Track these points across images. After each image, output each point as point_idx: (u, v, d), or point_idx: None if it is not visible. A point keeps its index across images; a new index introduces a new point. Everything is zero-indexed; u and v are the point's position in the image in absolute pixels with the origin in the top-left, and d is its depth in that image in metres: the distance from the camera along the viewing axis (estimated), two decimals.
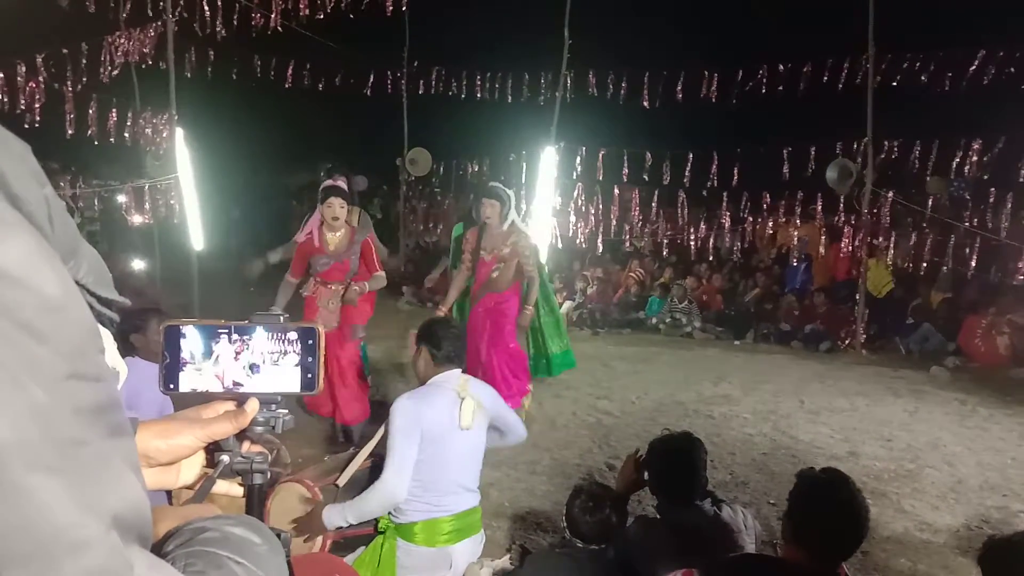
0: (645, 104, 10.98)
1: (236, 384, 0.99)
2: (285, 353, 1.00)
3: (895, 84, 9.55)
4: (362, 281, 5.34)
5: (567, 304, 11.13)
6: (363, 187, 13.35)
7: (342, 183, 5.53)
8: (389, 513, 3.08)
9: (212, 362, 0.99)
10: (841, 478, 2.32)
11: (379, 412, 5.15)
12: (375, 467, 3.19)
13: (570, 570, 2.90)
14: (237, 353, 0.99)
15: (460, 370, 3.22)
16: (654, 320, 11.01)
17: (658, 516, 3.00)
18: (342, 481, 3.22)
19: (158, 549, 0.69)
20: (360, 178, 13.97)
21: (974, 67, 9.15)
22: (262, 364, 0.99)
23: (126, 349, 3.23)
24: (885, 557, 4.12)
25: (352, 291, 5.26)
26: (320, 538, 3.01)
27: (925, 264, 9.78)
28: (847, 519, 2.20)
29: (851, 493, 2.23)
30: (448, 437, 3.05)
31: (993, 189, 9.28)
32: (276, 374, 1.00)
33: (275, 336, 1.00)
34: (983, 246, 9.11)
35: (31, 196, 0.54)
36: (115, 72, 9.57)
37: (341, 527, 2.99)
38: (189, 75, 10.45)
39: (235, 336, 0.99)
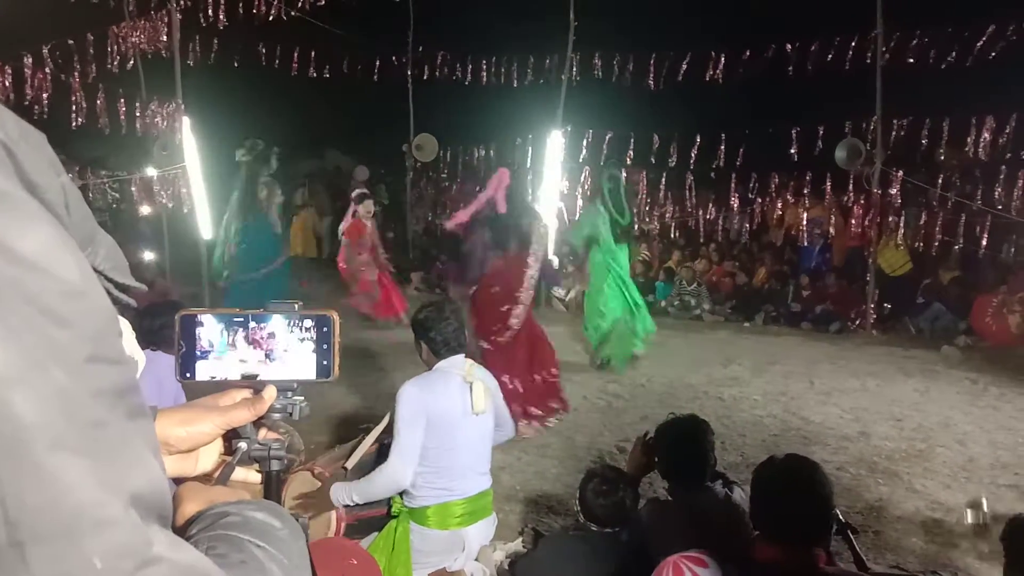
0: (651, 85, 10.91)
1: (252, 372, 1.00)
2: (301, 340, 1.01)
3: (904, 61, 9.44)
4: None
5: (576, 288, 11.11)
6: (365, 176, 13.33)
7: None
8: (402, 497, 3.11)
9: (228, 350, 1.00)
10: (797, 463, 2.22)
11: (386, 401, 5.18)
12: (381, 452, 3.22)
13: (584, 553, 2.92)
14: (253, 341, 1.00)
15: (463, 355, 3.22)
16: (663, 303, 11.00)
17: (670, 499, 3.01)
18: (350, 464, 3.27)
19: (182, 533, 0.70)
20: (360, 168, 13.96)
21: (984, 42, 9.04)
22: (278, 352, 1.00)
23: (157, 342, 3.20)
24: (896, 536, 4.13)
25: None
26: (334, 522, 3.05)
27: (936, 243, 9.70)
28: (807, 503, 2.08)
29: (809, 475, 2.13)
30: (458, 422, 3.07)
31: (1005, 167, 9.19)
32: (292, 361, 1.01)
33: (290, 324, 1.01)
34: (994, 224, 9.04)
35: (49, 184, 0.55)
36: (121, 62, 9.56)
37: (348, 505, 3.04)
38: (193, 64, 10.45)
39: (251, 324, 1.00)
